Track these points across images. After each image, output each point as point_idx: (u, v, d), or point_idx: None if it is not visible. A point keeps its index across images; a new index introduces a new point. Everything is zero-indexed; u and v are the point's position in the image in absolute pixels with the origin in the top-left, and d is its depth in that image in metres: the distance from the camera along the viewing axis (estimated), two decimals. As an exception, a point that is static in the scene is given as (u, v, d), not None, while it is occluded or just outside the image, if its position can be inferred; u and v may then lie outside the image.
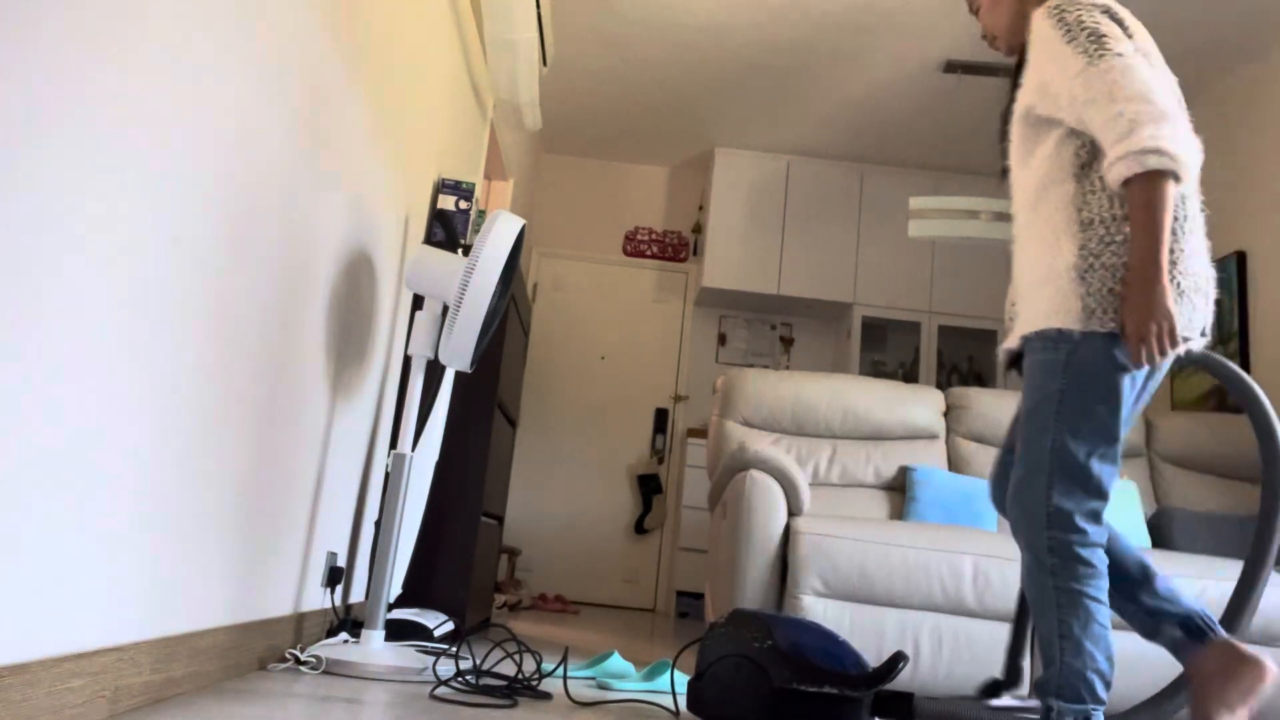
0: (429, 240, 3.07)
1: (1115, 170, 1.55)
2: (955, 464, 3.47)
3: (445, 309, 2.38)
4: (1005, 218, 4.24)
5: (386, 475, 2.77)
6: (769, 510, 2.78)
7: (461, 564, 2.85)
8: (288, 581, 2.07)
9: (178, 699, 1.50)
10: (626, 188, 6.36)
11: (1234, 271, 4.20)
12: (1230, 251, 4.28)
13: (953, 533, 2.75)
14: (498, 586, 5.06)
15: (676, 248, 6.29)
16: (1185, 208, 1.66)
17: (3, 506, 1.05)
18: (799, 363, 6.14)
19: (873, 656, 2.62)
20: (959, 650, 2.62)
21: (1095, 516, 1.62)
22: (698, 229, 6.29)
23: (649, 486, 5.87)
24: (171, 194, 1.35)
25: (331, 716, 1.49)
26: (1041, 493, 1.63)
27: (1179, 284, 1.62)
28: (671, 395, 6.11)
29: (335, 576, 2.37)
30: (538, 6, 3.39)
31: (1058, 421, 1.62)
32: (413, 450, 2.29)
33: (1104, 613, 1.61)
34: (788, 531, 2.78)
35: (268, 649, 1.95)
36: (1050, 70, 1.66)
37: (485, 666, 2.26)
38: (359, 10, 2.11)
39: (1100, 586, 1.61)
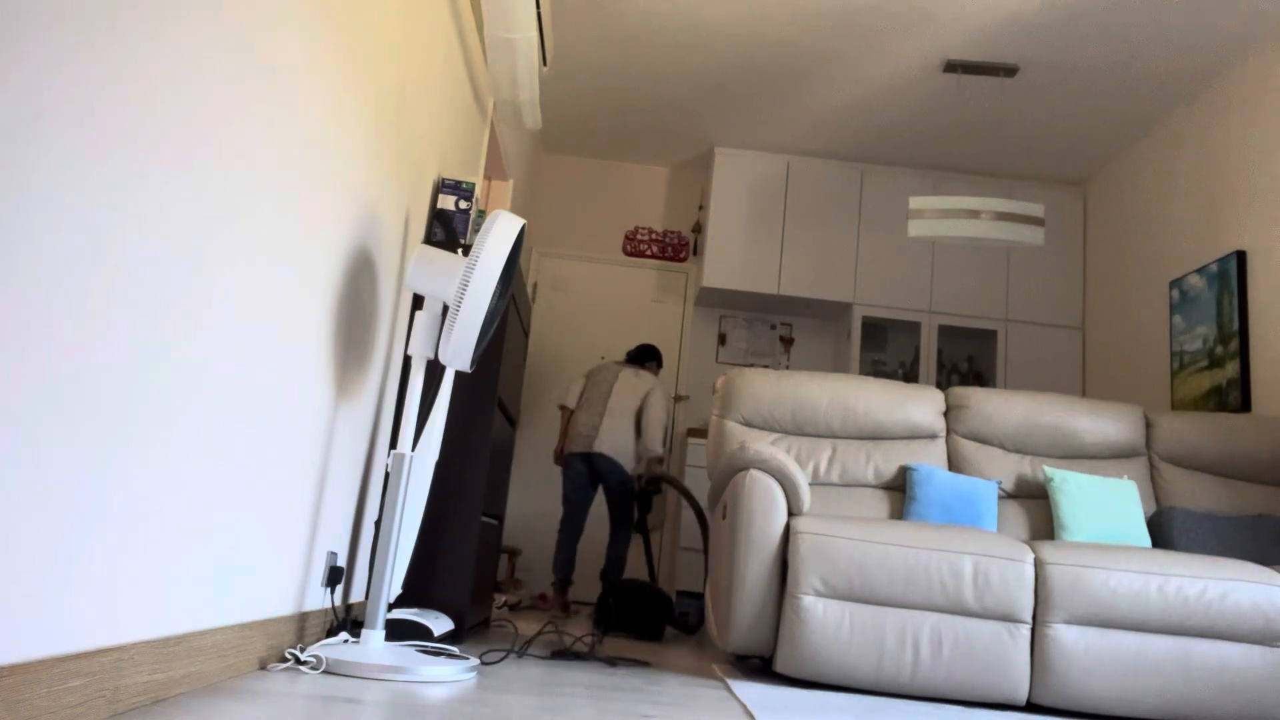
0: (429, 240, 3.07)
1: None
2: (955, 464, 3.47)
3: (445, 309, 2.38)
4: (1005, 218, 4.24)
5: (386, 475, 2.77)
6: (769, 510, 2.79)
7: (461, 564, 2.85)
8: (288, 581, 2.07)
9: (178, 699, 1.50)
10: (626, 188, 6.36)
11: (1234, 271, 4.20)
12: (1230, 251, 4.28)
13: (953, 533, 2.75)
14: (498, 586, 5.05)
15: (676, 247, 6.29)
16: (582, 406, 4.71)
17: (2, 506, 1.05)
18: (799, 363, 6.14)
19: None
20: (959, 650, 2.62)
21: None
22: (698, 229, 6.29)
23: (649, 486, 5.85)
24: (173, 192, 1.35)
25: (331, 717, 1.49)
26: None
27: (571, 436, 4.65)
28: (671, 395, 6.11)
29: (335, 576, 2.37)
30: (538, 6, 3.39)
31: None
32: (413, 450, 2.29)
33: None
34: (788, 531, 2.78)
35: (268, 649, 1.95)
36: None
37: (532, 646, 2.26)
38: (358, 10, 2.11)
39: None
